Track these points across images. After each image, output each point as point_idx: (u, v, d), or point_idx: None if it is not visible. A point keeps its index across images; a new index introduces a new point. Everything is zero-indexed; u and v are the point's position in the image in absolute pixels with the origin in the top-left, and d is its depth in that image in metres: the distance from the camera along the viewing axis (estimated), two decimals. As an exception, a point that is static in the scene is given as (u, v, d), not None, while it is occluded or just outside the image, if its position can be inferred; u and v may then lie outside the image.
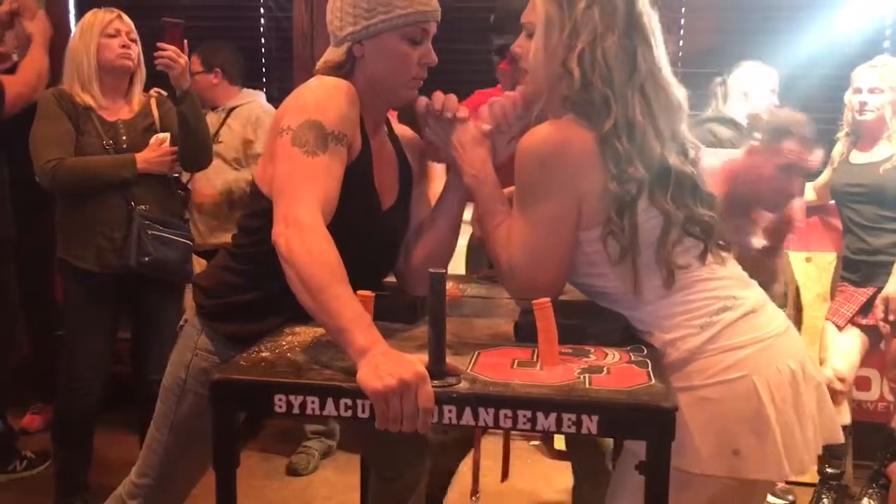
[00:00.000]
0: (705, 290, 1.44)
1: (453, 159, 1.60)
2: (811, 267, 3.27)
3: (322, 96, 1.47)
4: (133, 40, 2.60)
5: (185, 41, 2.58)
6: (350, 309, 1.28)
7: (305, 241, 1.32)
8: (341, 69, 1.56)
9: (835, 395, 2.82)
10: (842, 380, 2.91)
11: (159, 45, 2.53)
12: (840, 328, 2.96)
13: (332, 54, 1.58)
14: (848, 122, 3.02)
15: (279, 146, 1.44)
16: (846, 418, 2.94)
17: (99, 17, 2.58)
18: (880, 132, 2.93)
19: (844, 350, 2.95)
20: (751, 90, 3.01)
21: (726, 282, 1.46)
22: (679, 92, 1.49)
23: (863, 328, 2.95)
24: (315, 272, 1.29)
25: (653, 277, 1.42)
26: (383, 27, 1.52)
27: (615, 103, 1.39)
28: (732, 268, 1.51)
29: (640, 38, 1.43)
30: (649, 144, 1.40)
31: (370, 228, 1.57)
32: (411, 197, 1.74)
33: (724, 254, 1.49)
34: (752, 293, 1.49)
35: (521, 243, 1.46)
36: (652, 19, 1.46)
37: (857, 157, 2.99)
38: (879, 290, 2.85)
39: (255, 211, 1.59)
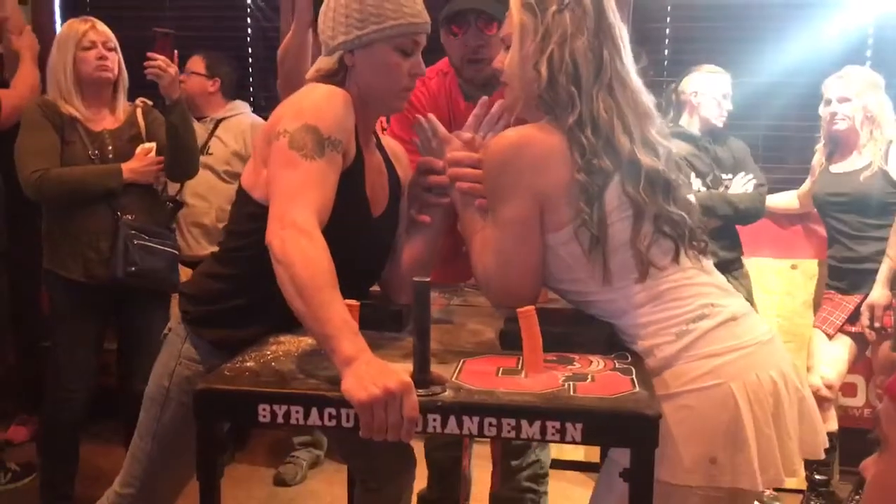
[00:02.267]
0: (683, 297, 1.44)
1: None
2: (797, 274, 3.29)
3: (319, 101, 1.48)
4: (111, 49, 2.59)
5: (176, 51, 2.58)
6: (338, 316, 1.28)
7: (300, 244, 1.32)
8: (333, 78, 1.57)
9: (822, 402, 2.83)
10: (829, 387, 2.93)
11: (149, 54, 2.52)
12: (830, 337, 2.98)
13: (323, 63, 1.58)
14: (824, 134, 3.04)
15: (276, 148, 1.44)
16: (833, 425, 2.95)
17: (73, 28, 2.57)
18: (855, 141, 2.96)
19: (833, 358, 2.97)
20: (701, 99, 3.00)
21: (706, 289, 1.47)
22: (647, 99, 1.51)
23: (851, 335, 2.97)
24: (307, 275, 1.29)
25: (628, 276, 1.43)
26: (375, 37, 1.52)
27: (580, 99, 1.42)
28: (713, 275, 1.52)
29: (609, 43, 1.47)
30: (617, 140, 1.42)
31: (361, 235, 1.58)
32: (399, 205, 1.75)
33: (704, 260, 1.50)
34: (733, 301, 1.49)
35: (494, 250, 1.49)
36: (622, 30, 1.50)
37: (837, 167, 3.01)
38: (867, 297, 2.87)
39: (242, 215, 1.60)
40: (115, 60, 2.60)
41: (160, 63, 2.52)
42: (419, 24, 1.56)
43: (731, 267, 2.93)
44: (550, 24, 1.44)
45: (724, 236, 2.93)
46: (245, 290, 1.57)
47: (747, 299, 1.68)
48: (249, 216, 1.55)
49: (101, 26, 2.60)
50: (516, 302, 1.41)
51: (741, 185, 2.96)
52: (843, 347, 2.97)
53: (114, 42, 2.61)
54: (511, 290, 1.48)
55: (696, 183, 2.97)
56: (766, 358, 1.44)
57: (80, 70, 2.55)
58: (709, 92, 2.99)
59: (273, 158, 1.44)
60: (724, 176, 2.98)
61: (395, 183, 1.73)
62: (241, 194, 1.61)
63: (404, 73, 1.57)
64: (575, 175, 1.40)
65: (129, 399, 2.69)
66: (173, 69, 2.54)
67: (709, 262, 1.52)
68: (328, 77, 1.57)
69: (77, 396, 2.60)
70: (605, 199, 1.40)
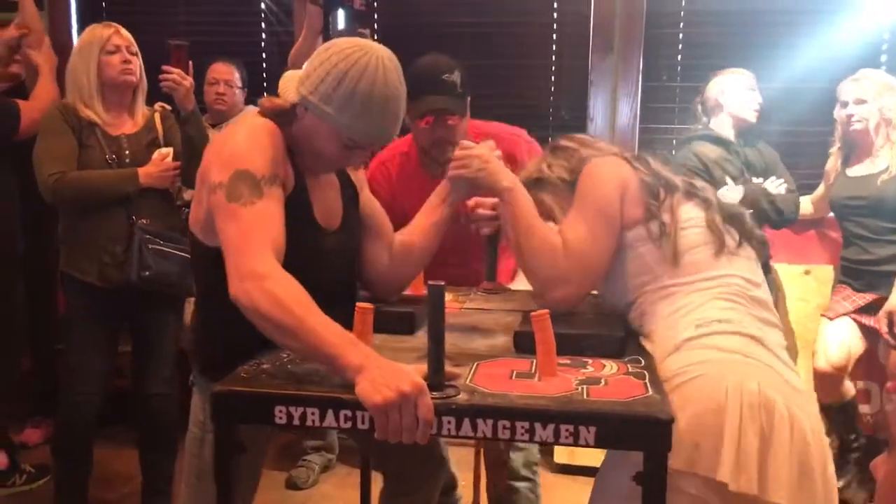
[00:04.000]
0: (723, 320, 1.53)
1: (483, 175, 1.73)
2: (810, 279, 3.28)
3: (243, 145, 1.47)
4: (133, 54, 2.61)
5: (191, 62, 2.60)
6: (331, 334, 1.29)
7: (265, 289, 1.32)
8: (281, 117, 1.54)
9: (831, 378, 2.87)
10: (837, 368, 2.90)
11: (164, 67, 2.55)
12: (830, 319, 2.97)
13: (280, 99, 1.56)
14: (840, 137, 3.04)
15: (216, 204, 1.43)
16: (849, 393, 2.95)
17: (97, 33, 2.58)
18: (871, 144, 2.96)
19: (838, 341, 2.93)
20: (728, 96, 3.00)
21: (747, 320, 1.55)
22: None
23: (861, 327, 2.94)
24: (283, 315, 1.30)
25: (697, 257, 1.61)
26: (331, 121, 1.50)
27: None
28: (765, 312, 1.60)
29: None
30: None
31: (318, 254, 1.57)
32: (358, 213, 1.76)
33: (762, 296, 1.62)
34: (770, 334, 1.55)
35: (573, 248, 1.63)
36: None
37: (854, 170, 3.01)
38: (881, 298, 2.86)
39: (195, 257, 1.59)
40: (138, 65, 2.62)
41: (175, 77, 2.54)
42: (380, 140, 1.61)
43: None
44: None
45: None
46: (232, 328, 1.44)
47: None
48: (203, 256, 1.54)
49: (124, 31, 2.61)
50: (574, 301, 1.62)
51: (773, 188, 2.96)
52: (847, 329, 2.94)
53: (136, 47, 2.62)
54: (584, 289, 1.65)
55: (731, 184, 2.98)
56: (775, 383, 1.45)
57: (104, 74, 2.56)
58: (735, 88, 2.99)
59: (216, 214, 1.43)
60: (754, 179, 2.98)
61: (350, 192, 1.74)
62: (191, 237, 1.60)
63: (342, 158, 1.58)
64: (643, 178, 1.65)
65: (141, 402, 2.73)
66: (188, 82, 2.57)
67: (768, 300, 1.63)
68: (277, 114, 1.54)
69: (90, 399, 2.61)
70: (668, 202, 1.64)
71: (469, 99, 2.20)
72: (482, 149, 1.79)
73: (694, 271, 1.59)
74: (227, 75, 3.32)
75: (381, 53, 1.49)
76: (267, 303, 1.31)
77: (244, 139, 1.48)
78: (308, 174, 1.60)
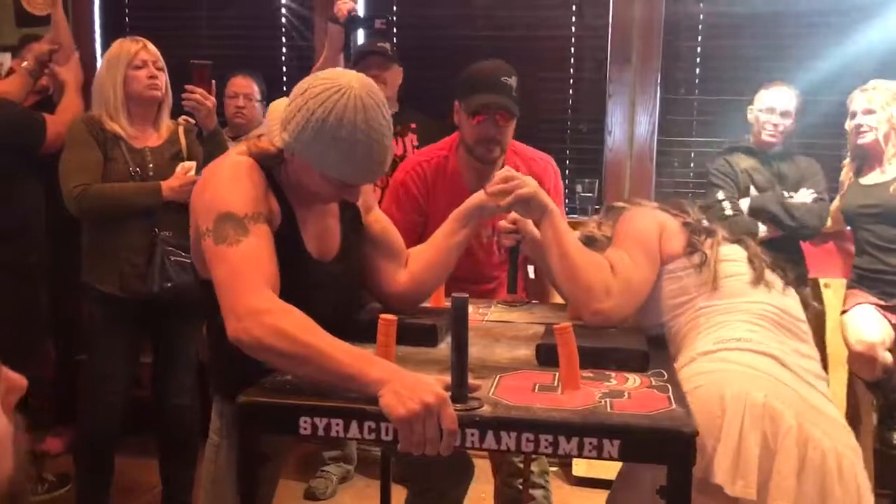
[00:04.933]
0: (744, 339, 1.59)
1: (539, 196, 1.74)
2: (829, 293, 3.26)
3: (223, 187, 1.46)
4: (160, 69, 2.64)
5: (213, 82, 2.63)
6: (346, 354, 1.29)
7: (266, 323, 1.31)
8: (269, 160, 1.53)
9: (868, 357, 2.81)
10: (872, 343, 2.83)
11: (187, 87, 2.59)
12: (846, 310, 2.95)
13: (265, 141, 1.54)
14: (851, 148, 3.05)
15: (207, 249, 1.43)
16: (889, 362, 2.86)
17: (125, 47, 2.61)
18: (882, 153, 2.96)
19: (863, 320, 2.88)
20: (756, 115, 3.07)
21: (771, 343, 1.59)
22: None
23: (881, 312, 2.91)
24: (293, 346, 1.29)
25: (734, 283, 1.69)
26: (316, 165, 1.49)
27: None
28: (797, 343, 1.65)
29: None
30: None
31: (313, 287, 1.54)
32: (361, 236, 1.74)
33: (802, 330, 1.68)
34: (800, 361, 1.59)
35: (619, 273, 1.69)
36: None
37: (867, 178, 3.02)
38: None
39: (201, 289, 1.57)
40: (164, 80, 2.65)
41: (197, 97, 2.58)
42: (371, 179, 1.59)
43: (795, 284, 2.93)
44: None
45: (788, 251, 2.89)
46: (241, 354, 1.39)
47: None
48: (203, 288, 1.53)
49: (151, 46, 2.65)
50: (615, 317, 1.66)
51: (799, 199, 2.99)
52: (871, 312, 2.90)
53: (162, 62, 2.66)
54: (628, 311, 1.69)
55: (755, 194, 3.02)
56: (788, 398, 1.47)
57: (130, 88, 2.60)
58: (763, 108, 3.05)
59: (208, 261, 1.43)
60: (785, 193, 3.01)
61: (350, 214, 1.71)
62: (192, 266, 1.61)
63: (338, 195, 1.58)
64: (684, 219, 1.78)
65: (162, 413, 2.75)
66: (211, 101, 2.61)
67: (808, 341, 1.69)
68: (265, 157, 1.52)
69: (113, 409, 2.63)
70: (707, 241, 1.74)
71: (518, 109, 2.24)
72: (527, 176, 1.79)
73: (728, 296, 1.65)
74: (246, 89, 3.35)
75: (359, 91, 1.44)
76: (271, 336, 1.30)
77: (223, 181, 1.47)
78: (299, 205, 1.57)
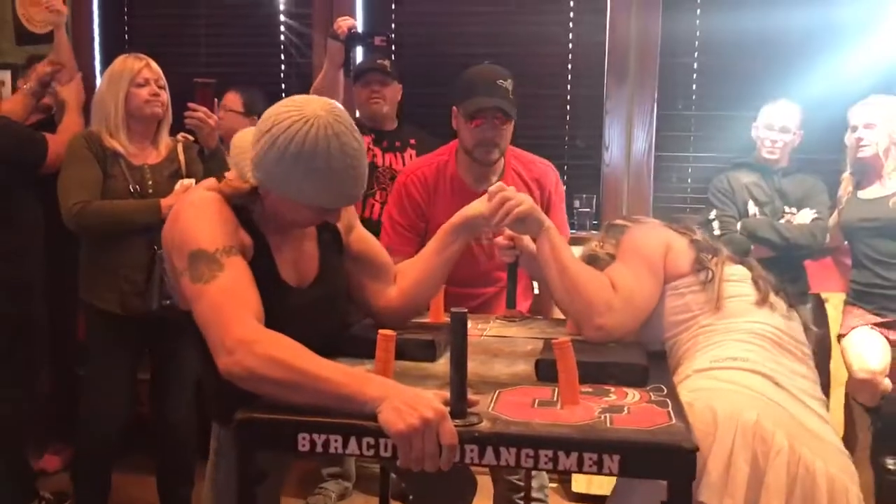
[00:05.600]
0: (739, 358, 1.59)
1: (535, 212, 1.74)
2: (828, 308, 3.26)
3: (190, 226, 1.45)
4: (162, 87, 2.65)
5: (216, 100, 2.64)
6: (341, 375, 1.29)
7: (257, 353, 1.30)
8: (245, 198, 1.52)
9: (871, 383, 2.79)
10: (875, 371, 2.81)
11: (190, 105, 2.61)
12: (843, 335, 2.95)
13: (237, 181, 1.51)
14: (851, 162, 3.05)
15: (185, 290, 1.42)
16: (888, 389, 2.84)
17: (128, 64, 2.62)
18: (881, 167, 2.97)
19: (866, 345, 2.86)
20: (755, 132, 3.09)
21: (767, 362, 1.59)
22: None
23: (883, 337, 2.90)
24: (286, 372, 1.28)
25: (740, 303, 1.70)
26: (294, 197, 1.47)
27: None
28: (795, 363, 1.65)
29: None
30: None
31: (291, 315, 1.50)
32: (341, 257, 1.73)
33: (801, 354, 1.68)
34: (796, 381, 1.59)
35: (621, 288, 1.68)
36: None
37: (865, 193, 3.02)
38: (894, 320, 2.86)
39: (186, 318, 1.53)
40: (165, 98, 2.66)
41: (200, 115, 2.59)
42: (351, 202, 1.56)
43: (796, 301, 2.93)
44: None
45: (787, 269, 2.90)
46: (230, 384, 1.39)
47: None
48: (188, 318, 1.50)
49: (154, 65, 2.66)
50: (616, 331, 1.66)
51: (798, 219, 3.00)
52: (871, 336, 2.89)
53: (164, 81, 2.67)
54: (630, 328, 1.69)
55: (754, 210, 3.03)
56: (791, 428, 1.46)
57: (132, 105, 2.60)
58: (762, 125, 3.07)
59: (189, 301, 1.42)
60: (786, 208, 3.03)
61: (330, 238, 1.69)
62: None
63: (320, 219, 1.57)
64: (693, 237, 1.79)
65: (160, 430, 2.74)
66: (213, 120, 2.63)
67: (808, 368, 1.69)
68: (239, 196, 1.51)
69: (111, 426, 2.62)
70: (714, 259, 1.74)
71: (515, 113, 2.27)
72: (522, 193, 1.78)
73: (730, 315, 1.65)
74: (240, 105, 3.34)
75: (326, 118, 1.42)
76: (264, 365, 1.29)
77: (190, 219, 1.46)
78: (273, 233, 1.56)
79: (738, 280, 1.73)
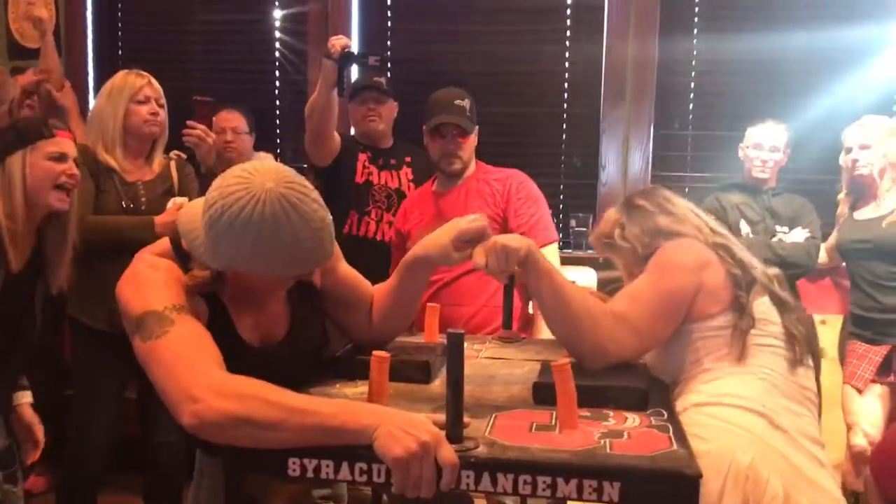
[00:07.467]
0: (737, 395, 1.55)
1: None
2: (826, 330, 3.23)
3: (137, 291, 1.40)
4: (161, 106, 2.62)
5: (214, 119, 2.63)
6: (327, 406, 1.24)
7: (228, 394, 1.22)
8: (211, 285, 1.47)
9: (866, 458, 2.75)
10: (872, 444, 2.83)
11: (189, 122, 2.60)
12: (860, 392, 2.91)
13: (199, 273, 1.46)
14: (847, 183, 3.05)
15: (138, 351, 1.35)
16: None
17: (130, 81, 2.59)
18: (876, 188, 2.97)
19: (871, 413, 2.88)
20: (744, 152, 3.11)
21: (766, 400, 1.55)
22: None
23: (883, 383, 2.89)
24: (266, 410, 1.20)
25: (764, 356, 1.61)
26: (260, 274, 1.41)
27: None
28: (794, 405, 1.59)
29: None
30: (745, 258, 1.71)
31: (260, 372, 1.33)
32: (315, 304, 1.67)
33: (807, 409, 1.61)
34: (795, 421, 1.54)
35: (634, 318, 1.60)
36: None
37: (861, 213, 3.02)
38: (894, 347, 2.83)
39: None
40: (164, 117, 2.63)
41: (199, 133, 2.59)
42: (320, 265, 1.49)
43: None
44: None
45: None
46: None
47: None
48: None
49: (155, 83, 2.63)
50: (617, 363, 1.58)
51: (797, 238, 2.99)
52: (877, 400, 2.90)
53: (164, 100, 2.64)
54: (635, 354, 1.63)
55: (746, 229, 3.02)
56: (787, 474, 1.43)
57: (130, 122, 2.57)
58: (751, 145, 3.09)
59: (143, 363, 1.35)
60: (778, 227, 3.02)
61: (303, 291, 1.62)
62: None
63: (290, 283, 1.52)
64: (731, 270, 1.64)
65: (148, 451, 2.68)
66: (212, 138, 2.64)
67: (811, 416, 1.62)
68: (205, 285, 1.46)
69: (98, 446, 2.58)
70: (751, 298, 1.63)
71: (477, 127, 2.59)
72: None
73: (752, 364, 1.59)
74: (233, 122, 3.31)
75: (277, 189, 1.32)
76: (237, 405, 1.20)
77: (138, 287, 1.40)
78: (229, 298, 1.49)
79: (768, 335, 1.61)
